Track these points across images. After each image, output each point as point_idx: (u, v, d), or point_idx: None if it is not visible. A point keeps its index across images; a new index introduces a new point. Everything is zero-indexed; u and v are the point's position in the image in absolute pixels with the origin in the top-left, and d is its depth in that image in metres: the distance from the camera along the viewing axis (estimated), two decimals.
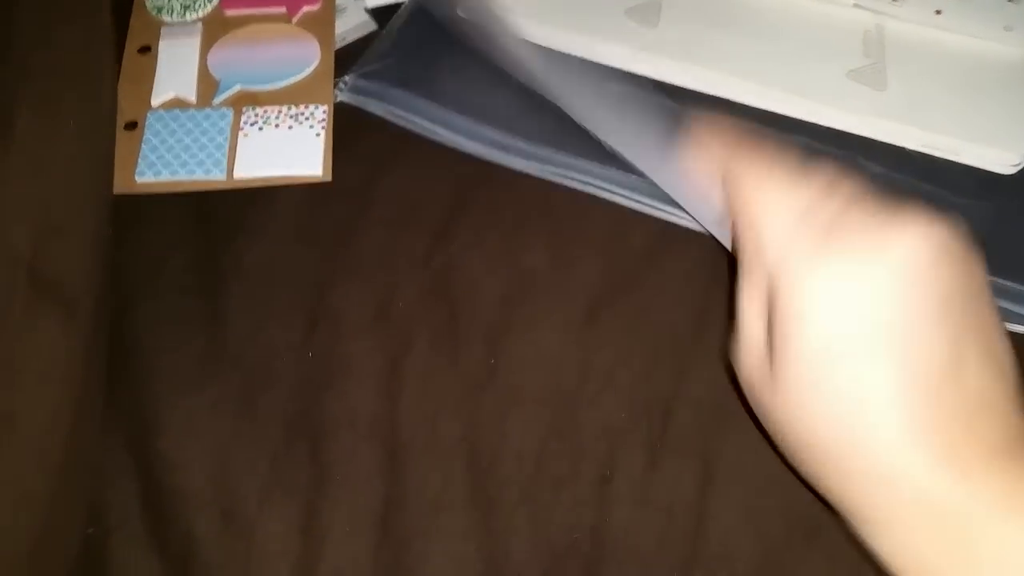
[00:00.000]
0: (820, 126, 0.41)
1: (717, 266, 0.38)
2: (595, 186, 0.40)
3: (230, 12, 0.48)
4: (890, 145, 0.41)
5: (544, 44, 0.43)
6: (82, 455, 0.34)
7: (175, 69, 0.45)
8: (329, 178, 0.42)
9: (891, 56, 0.42)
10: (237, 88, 0.44)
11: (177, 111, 0.44)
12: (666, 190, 0.36)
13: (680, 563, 0.34)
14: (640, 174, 0.36)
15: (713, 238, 0.39)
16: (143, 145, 0.42)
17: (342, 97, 0.44)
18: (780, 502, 0.34)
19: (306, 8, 0.47)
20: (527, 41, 0.35)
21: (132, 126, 0.43)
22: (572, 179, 0.40)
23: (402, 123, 0.43)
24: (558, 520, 0.34)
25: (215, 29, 0.47)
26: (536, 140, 0.41)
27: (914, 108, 0.41)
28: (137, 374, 0.37)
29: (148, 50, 0.46)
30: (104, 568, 0.34)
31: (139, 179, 0.42)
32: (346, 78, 0.44)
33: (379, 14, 0.48)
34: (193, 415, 0.37)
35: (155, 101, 0.44)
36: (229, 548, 0.34)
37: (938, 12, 0.43)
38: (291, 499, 0.35)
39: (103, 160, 0.40)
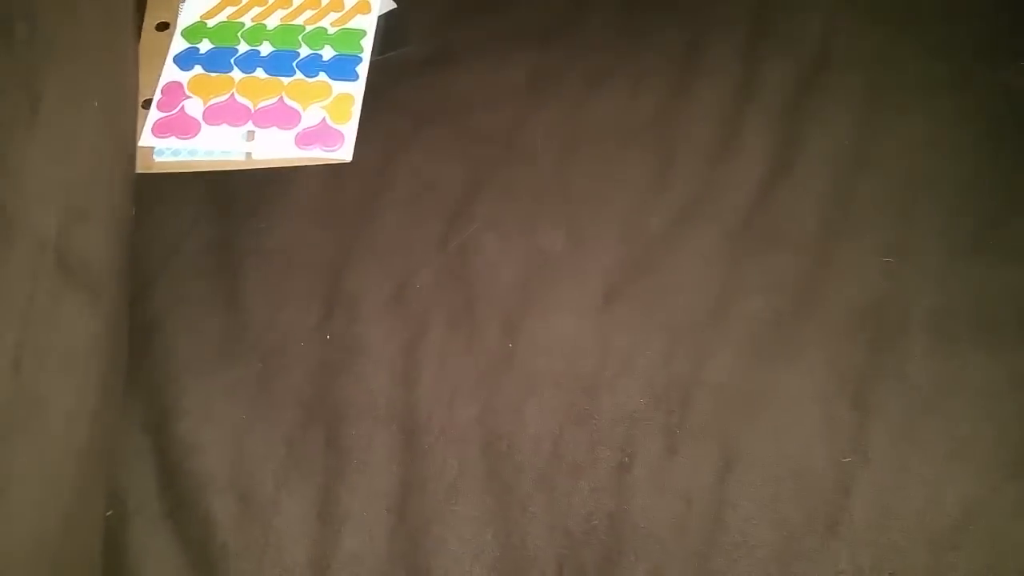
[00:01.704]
0: None
1: (736, 248, 0.37)
2: None
3: None
4: None
5: None
6: (105, 439, 0.34)
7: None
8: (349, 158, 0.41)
9: None
10: None
11: None
12: None
13: (698, 551, 0.33)
14: None
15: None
16: None
17: None
18: (799, 489, 0.34)
19: None
20: None
21: (149, 104, 0.43)
22: None
23: None
24: (575, 506, 0.34)
25: None
26: None
27: None
28: (155, 357, 0.38)
29: (166, 27, 0.46)
30: (124, 550, 0.34)
31: (157, 158, 0.41)
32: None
33: None
34: (211, 398, 0.37)
35: None
36: (247, 532, 0.35)
37: None
38: (308, 483, 0.35)
39: (126, 139, 0.40)
